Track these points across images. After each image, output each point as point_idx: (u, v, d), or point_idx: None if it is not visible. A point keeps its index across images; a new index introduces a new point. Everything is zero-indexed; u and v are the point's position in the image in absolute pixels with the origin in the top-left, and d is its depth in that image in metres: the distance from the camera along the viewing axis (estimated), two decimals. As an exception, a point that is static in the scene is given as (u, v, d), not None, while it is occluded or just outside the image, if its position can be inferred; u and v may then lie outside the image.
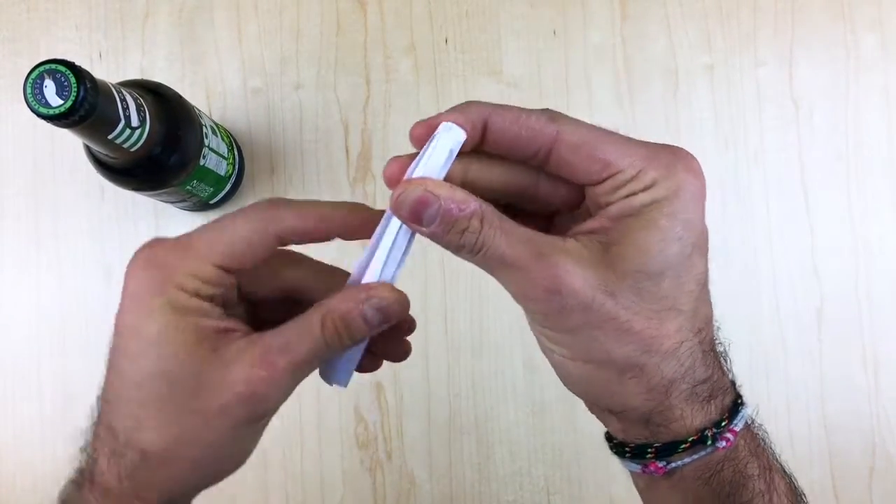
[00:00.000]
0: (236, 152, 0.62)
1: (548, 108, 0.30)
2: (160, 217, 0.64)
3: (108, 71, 0.65)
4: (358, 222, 0.31)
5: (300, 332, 0.30)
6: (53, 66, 0.40)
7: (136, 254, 0.30)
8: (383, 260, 0.30)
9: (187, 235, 0.31)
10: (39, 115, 0.40)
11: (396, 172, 0.29)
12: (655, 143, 0.30)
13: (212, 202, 0.61)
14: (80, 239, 0.64)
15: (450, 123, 0.29)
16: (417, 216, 0.28)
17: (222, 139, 0.59)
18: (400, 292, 0.30)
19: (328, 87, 0.65)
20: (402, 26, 0.65)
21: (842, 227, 0.63)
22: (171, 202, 0.60)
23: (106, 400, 0.30)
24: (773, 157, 0.63)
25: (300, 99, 0.65)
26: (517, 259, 0.28)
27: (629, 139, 0.29)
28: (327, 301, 0.30)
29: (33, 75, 0.40)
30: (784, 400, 0.62)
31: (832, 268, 0.62)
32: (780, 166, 0.63)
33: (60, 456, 0.63)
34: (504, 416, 0.62)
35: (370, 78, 0.65)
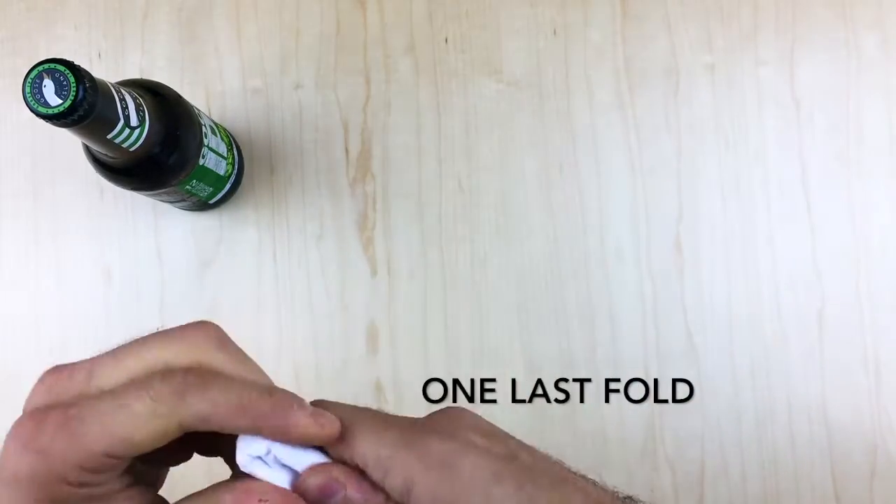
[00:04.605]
0: (236, 152, 0.62)
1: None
2: (160, 217, 0.64)
3: (108, 70, 0.65)
4: (281, 423, 0.27)
5: None
6: (52, 65, 0.40)
7: (18, 426, 0.26)
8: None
9: (79, 406, 0.26)
10: (38, 115, 0.40)
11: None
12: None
13: (211, 202, 0.61)
14: (78, 239, 0.64)
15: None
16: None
17: (222, 139, 0.59)
18: None
19: (328, 86, 0.65)
20: (402, 26, 0.65)
21: (843, 227, 0.62)
22: (171, 202, 0.60)
23: None
24: (773, 156, 0.63)
25: (300, 99, 0.65)
26: None
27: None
28: None
29: (32, 75, 0.40)
30: (785, 400, 0.61)
31: (833, 268, 0.62)
32: (780, 166, 0.63)
33: (59, 456, 0.63)
34: (503, 417, 0.61)
35: (370, 78, 0.64)
